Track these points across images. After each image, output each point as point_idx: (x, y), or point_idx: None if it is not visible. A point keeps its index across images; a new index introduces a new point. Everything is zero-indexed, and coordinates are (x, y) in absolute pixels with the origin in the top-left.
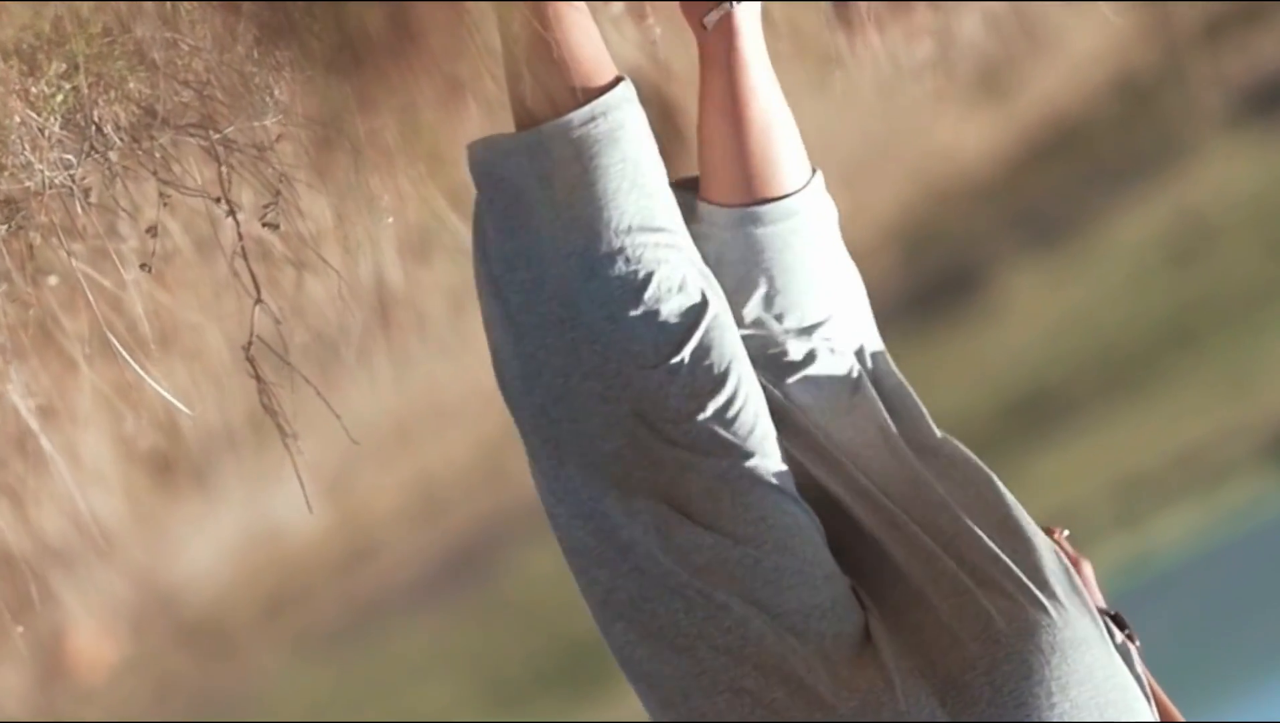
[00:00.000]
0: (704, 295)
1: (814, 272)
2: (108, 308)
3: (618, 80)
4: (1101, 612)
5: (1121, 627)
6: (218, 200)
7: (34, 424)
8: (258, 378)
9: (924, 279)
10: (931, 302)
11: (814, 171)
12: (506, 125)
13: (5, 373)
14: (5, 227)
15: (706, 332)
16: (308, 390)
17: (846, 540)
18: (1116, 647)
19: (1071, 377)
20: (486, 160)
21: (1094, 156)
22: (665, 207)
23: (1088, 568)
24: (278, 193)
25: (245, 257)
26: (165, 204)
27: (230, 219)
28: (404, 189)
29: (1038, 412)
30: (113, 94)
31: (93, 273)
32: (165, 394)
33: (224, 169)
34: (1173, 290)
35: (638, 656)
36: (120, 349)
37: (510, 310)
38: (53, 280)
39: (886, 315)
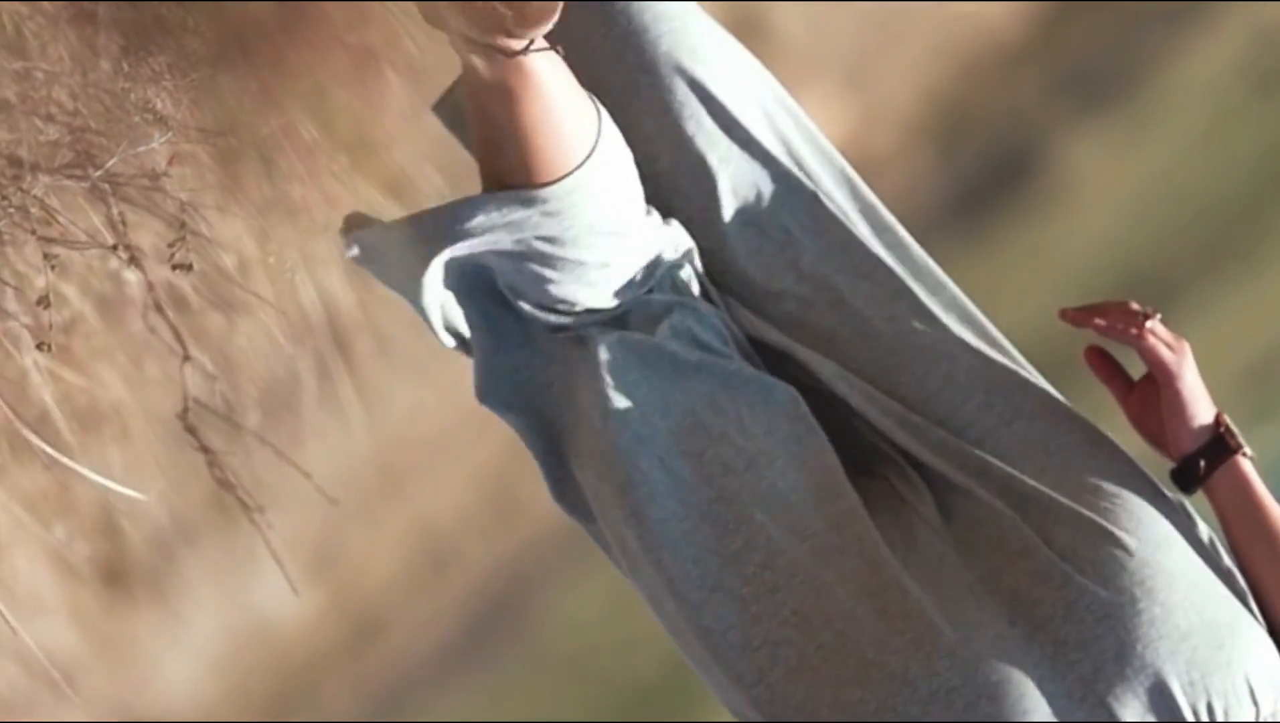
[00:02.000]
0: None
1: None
2: (9, 401)
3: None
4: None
5: (1229, 442)
6: (114, 249)
7: None
8: (203, 449)
9: (968, 174)
10: (983, 198)
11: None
12: (431, 88)
13: None
14: None
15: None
16: (266, 453)
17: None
18: (1204, 541)
19: (1165, 255)
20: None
21: None
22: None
23: (1189, 371)
24: (183, 226)
25: (159, 309)
26: (53, 267)
27: (133, 268)
28: (331, 190)
29: (1132, 301)
30: None
31: None
32: (109, 484)
33: (115, 211)
34: (1266, 127)
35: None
36: (43, 446)
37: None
38: None
39: (933, 224)
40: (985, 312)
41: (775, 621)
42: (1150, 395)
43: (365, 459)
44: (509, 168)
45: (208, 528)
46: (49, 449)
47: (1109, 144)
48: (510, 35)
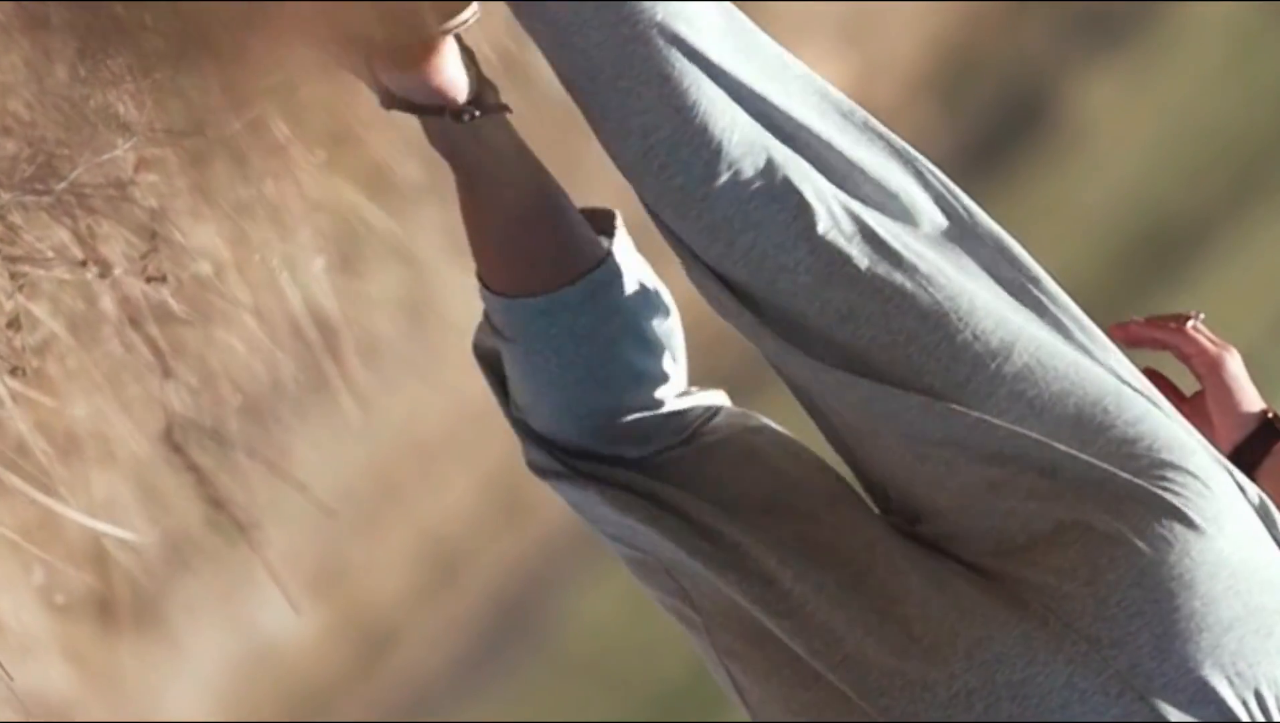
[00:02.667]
0: None
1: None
2: None
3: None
4: (1252, 419)
5: (1271, 438)
6: (83, 264)
7: None
8: (192, 467)
9: (979, 122)
10: (997, 146)
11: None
12: None
13: None
14: None
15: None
16: (258, 467)
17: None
18: (1254, 507)
19: (1191, 195)
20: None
21: None
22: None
23: (1233, 361)
24: (154, 235)
25: (135, 324)
26: (21, 287)
27: (104, 282)
28: (308, 188)
29: (1162, 247)
30: None
31: None
32: (97, 524)
33: (82, 224)
34: None
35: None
36: (20, 483)
37: None
38: None
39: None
40: None
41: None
42: (1201, 406)
43: (362, 467)
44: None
45: (202, 550)
46: (31, 490)
47: (1124, 84)
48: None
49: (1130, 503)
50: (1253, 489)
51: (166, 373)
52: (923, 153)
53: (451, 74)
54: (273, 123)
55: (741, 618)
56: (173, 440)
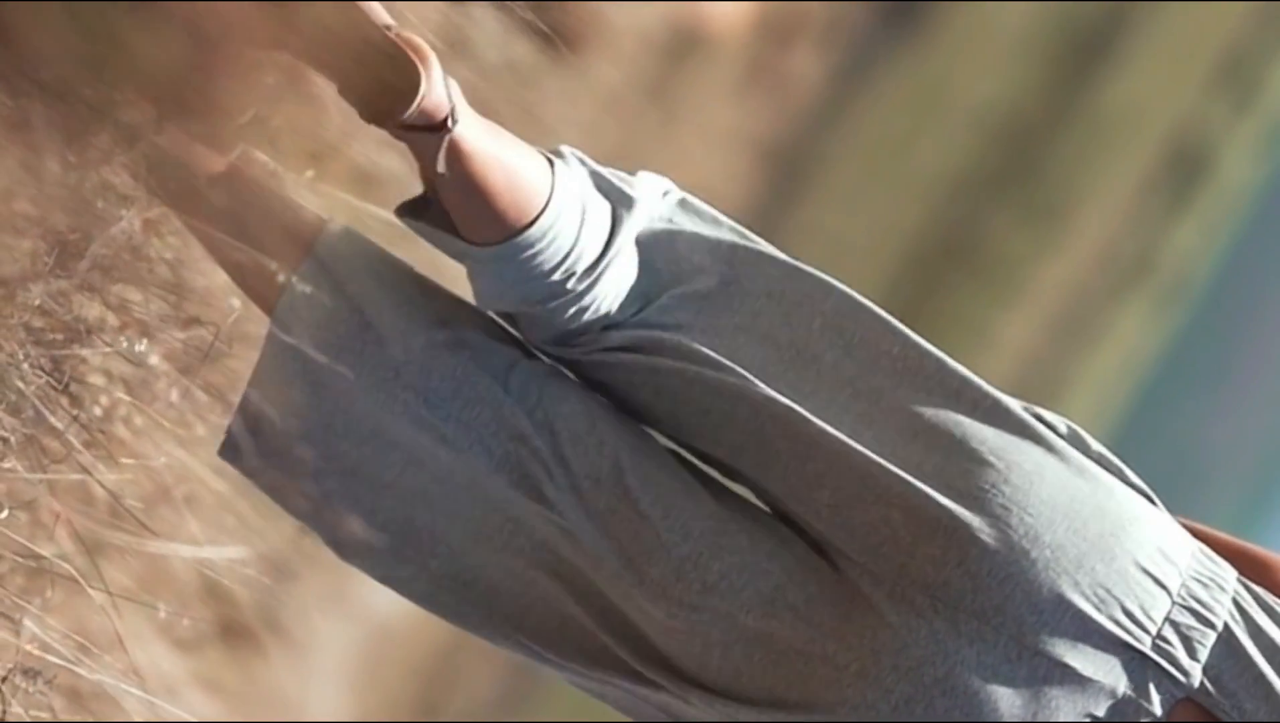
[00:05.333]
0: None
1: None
2: (78, 504)
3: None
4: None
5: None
6: (122, 331)
7: (79, 670)
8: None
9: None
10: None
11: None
12: None
13: (18, 632)
14: None
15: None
16: None
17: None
18: (1065, 436)
19: None
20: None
21: None
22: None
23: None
24: (178, 286)
25: (184, 372)
26: (73, 368)
27: (146, 342)
28: (305, 203)
29: (1081, 47)
30: None
31: (44, 477)
32: (205, 552)
33: (111, 295)
34: None
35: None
36: (123, 540)
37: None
38: (3, 513)
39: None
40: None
41: (746, 698)
42: None
43: None
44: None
45: (300, 558)
46: (135, 543)
47: None
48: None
49: (967, 496)
50: (1061, 422)
51: (226, 408)
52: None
53: (439, 93)
54: (257, 155)
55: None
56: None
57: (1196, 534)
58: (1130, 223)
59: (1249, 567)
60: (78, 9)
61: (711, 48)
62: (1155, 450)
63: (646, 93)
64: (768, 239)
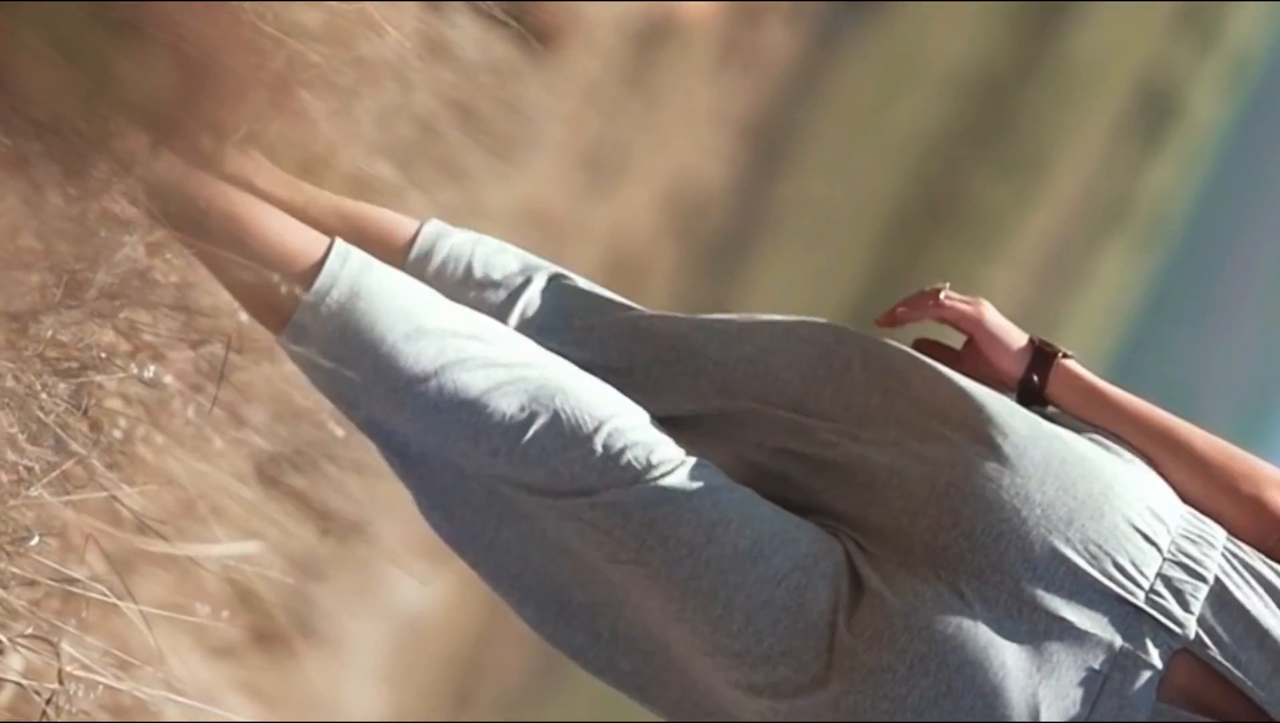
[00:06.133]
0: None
1: None
2: (105, 525)
3: (329, 247)
4: (1022, 354)
5: (1046, 350)
6: (134, 354)
7: (122, 686)
8: (293, 493)
9: None
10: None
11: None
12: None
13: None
14: None
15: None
16: (347, 471)
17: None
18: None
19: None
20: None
21: None
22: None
23: (989, 312)
24: (185, 306)
25: (197, 389)
26: (90, 394)
27: (159, 363)
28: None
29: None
30: None
31: (69, 500)
32: (226, 550)
33: (121, 320)
34: None
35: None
36: (152, 554)
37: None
38: (34, 540)
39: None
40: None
41: (767, 664)
42: (974, 353)
43: None
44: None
45: (327, 559)
46: (165, 551)
47: None
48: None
49: (958, 464)
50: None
51: (241, 421)
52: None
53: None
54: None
55: None
56: (267, 475)
57: (1179, 439)
58: (1105, 168)
59: (1224, 477)
60: (65, 44)
61: (684, 32)
62: (1149, 385)
63: (625, 82)
64: (755, 214)
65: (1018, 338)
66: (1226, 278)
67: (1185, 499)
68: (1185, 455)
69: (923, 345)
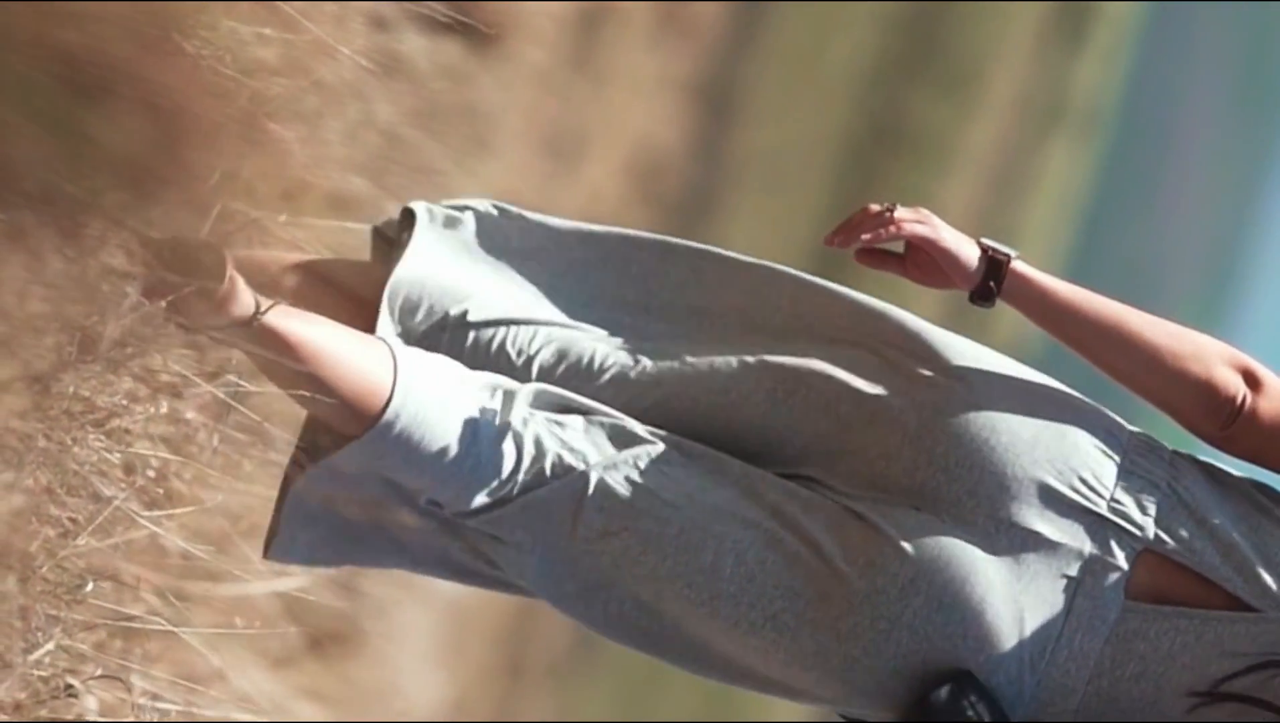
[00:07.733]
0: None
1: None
2: (154, 560)
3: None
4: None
5: (998, 257)
6: (154, 396)
7: (193, 710)
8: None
9: None
10: None
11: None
12: (306, 109)
13: (129, 689)
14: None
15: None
16: None
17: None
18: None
19: None
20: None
21: None
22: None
23: (936, 224)
24: (195, 343)
25: (219, 419)
26: (118, 440)
27: (179, 401)
28: (289, 239)
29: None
30: None
31: (115, 542)
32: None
33: (136, 366)
34: None
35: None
36: (202, 580)
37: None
38: (89, 587)
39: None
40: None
41: (763, 600)
42: (921, 259)
43: None
44: (339, 421)
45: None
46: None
47: None
48: (221, 315)
49: (925, 406)
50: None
51: (266, 443)
52: None
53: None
54: (235, 209)
55: None
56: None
57: (1130, 330)
58: (1036, 71)
59: (1168, 357)
60: (40, 115)
61: (620, 10)
62: (1108, 273)
63: (572, 65)
64: (715, 169)
65: (969, 247)
66: (1166, 158)
67: (1142, 392)
68: (1137, 347)
69: (864, 257)
